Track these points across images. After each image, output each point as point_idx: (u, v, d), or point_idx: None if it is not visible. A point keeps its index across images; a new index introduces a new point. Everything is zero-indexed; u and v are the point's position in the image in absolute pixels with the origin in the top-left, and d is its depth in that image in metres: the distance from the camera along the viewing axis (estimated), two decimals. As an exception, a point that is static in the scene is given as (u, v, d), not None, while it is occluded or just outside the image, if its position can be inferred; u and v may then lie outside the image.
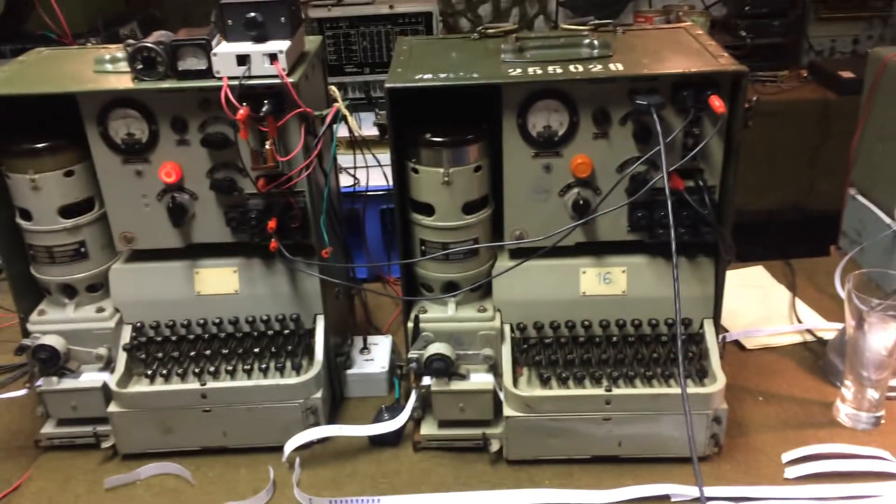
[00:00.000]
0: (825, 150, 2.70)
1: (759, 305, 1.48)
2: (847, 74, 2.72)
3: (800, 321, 1.43)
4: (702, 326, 1.16)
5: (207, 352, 1.20)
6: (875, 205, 1.52)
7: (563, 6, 3.60)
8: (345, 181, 1.39)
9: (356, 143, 1.24)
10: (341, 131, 1.14)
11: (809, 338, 1.39)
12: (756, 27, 2.90)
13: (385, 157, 1.13)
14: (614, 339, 1.16)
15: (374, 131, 2.31)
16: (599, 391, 1.10)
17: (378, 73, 2.59)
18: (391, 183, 1.12)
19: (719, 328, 1.16)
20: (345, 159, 1.32)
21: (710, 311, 1.15)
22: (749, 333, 1.39)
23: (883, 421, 1.18)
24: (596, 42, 1.11)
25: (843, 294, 1.38)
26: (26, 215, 1.15)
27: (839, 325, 1.35)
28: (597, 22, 1.20)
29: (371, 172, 1.28)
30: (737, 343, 1.38)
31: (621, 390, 1.11)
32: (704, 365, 1.13)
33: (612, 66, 1.05)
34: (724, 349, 1.18)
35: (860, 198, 1.57)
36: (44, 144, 1.12)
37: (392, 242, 2.09)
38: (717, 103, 1.00)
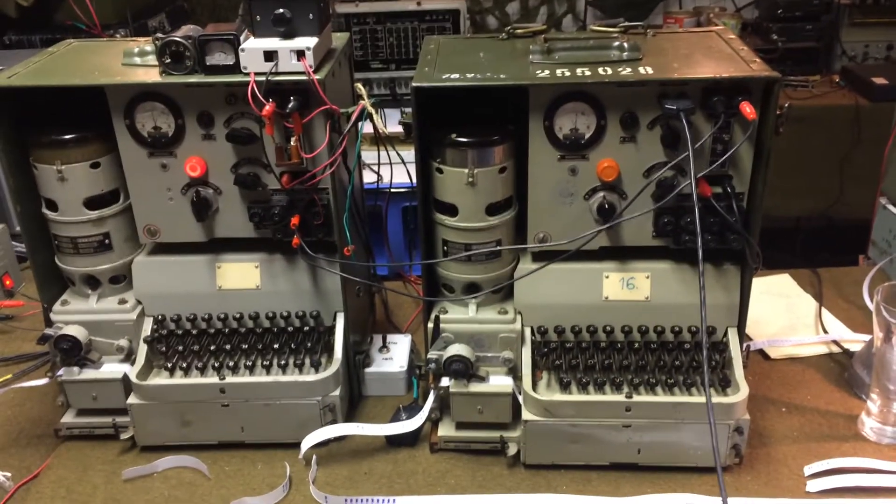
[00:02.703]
0: (856, 157, 2.66)
1: (784, 314, 1.46)
2: (880, 81, 2.68)
3: (826, 331, 1.41)
4: (725, 335, 1.14)
5: (227, 346, 1.20)
6: (906, 215, 1.49)
7: (591, 5, 3.58)
8: (368, 177, 1.38)
9: (380, 140, 1.23)
10: (366, 128, 1.13)
11: (835, 349, 1.37)
12: (788, 31, 2.87)
13: (409, 154, 1.12)
14: (636, 345, 1.14)
15: (399, 128, 2.31)
16: (620, 398, 1.09)
17: (404, 70, 2.59)
18: (414, 181, 1.12)
19: (743, 337, 1.14)
20: (369, 155, 1.31)
21: (734, 320, 1.14)
22: (774, 343, 1.37)
23: (909, 436, 1.16)
24: (625, 45, 1.09)
25: (871, 305, 1.35)
26: (52, 206, 1.16)
27: (866, 337, 1.32)
28: (626, 24, 1.18)
29: (395, 169, 1.27)
30: (761, 352, 1.36)
31: (642, 397, 1.09)
32: (727, 374, 1.12)
33: (641, 70, 1.04)
34: (747, 358, 1.16)
35: (891, 207, 1.54)
36: (71, 136, 1.12)
37: (413, 240, 2.09)
38: (748, 109, 0.98)
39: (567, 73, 1.04)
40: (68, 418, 1.23)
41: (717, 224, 1.07)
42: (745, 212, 1.08)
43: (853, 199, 2.67)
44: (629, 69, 1.05)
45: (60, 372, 1.19)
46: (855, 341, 1.37)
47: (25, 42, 2.52)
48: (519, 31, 1.22)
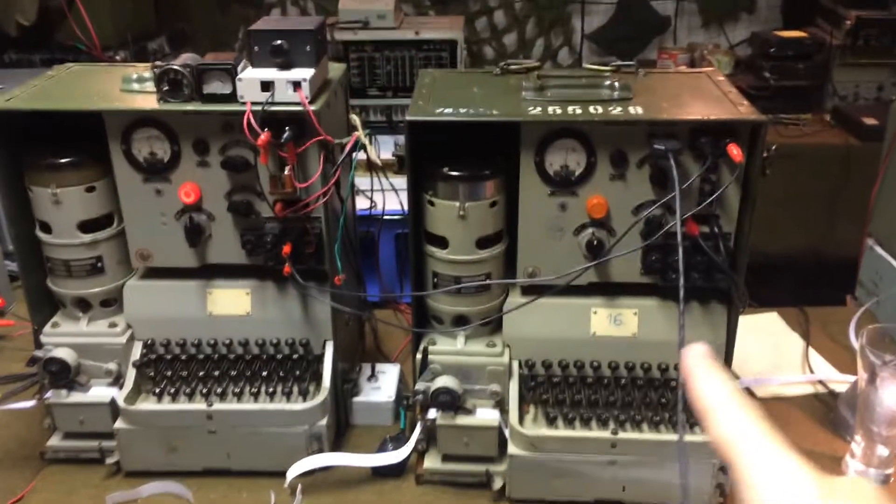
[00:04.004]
0: (846, 196, 2.69)
1: (771, 353, 1.47)
2: (870, 121, 2.71)
3: (812, 371, 1.42)
4: (712, 373, 1.15)
5: (216, 372, 1.20)
6: (893, 257, 1.51)
7: (587, 39, 3.63)
8: (361, 203, 1.39)
9: (374, 169, 1.24)
10: (361, 155, 1.15)
11: (821, 389, 1.38)
12: (781, 69, 2.91)
13: (401, 181, 1.13)
14: (623, 381, 1.15)
15: (393, 153, 2.33)
16: (605, 434, 1.10)
17: (400, 98, 2.61)
18: (407, 209, 1.13)
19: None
20: (362, 181, 1.32)
21: (720, 359, 1.15)
22: (760, 382, 1.38)
23: (893, 479, 1.17)
24: (617, 84, 1.11)
25: (856, 346, 1.36)
26: (46, 228, 1.16)
27: (852, 378, 1.33)
28: (619, 63, 1.20)
29: (388, 196, 1.28)
30: (747, 391, 1.37)
31: (628, 434, 1.10)
32: (713, 412, 1.12)
33: (631, 109, 1.06)
34: (733, 397, 1.16)
35: (878, 249, 1.56)
36: (67, 159, 1.13)
37: (404, 267, 2.10)
38: (734, 151, 1.00)
39: (558, 111, 1.06)
40: (54, 441, 1.23)
41: (704, 263, 1.08)
42: (732, 251, 1.09)
43: (842, 236, 2.69)
44: (620, 108, 1.06)
45: (48, 394, 1.19)
46: (841, 382, 1.38)
47: (25, 61, 2.54)
48: (513, 66, 1.24)
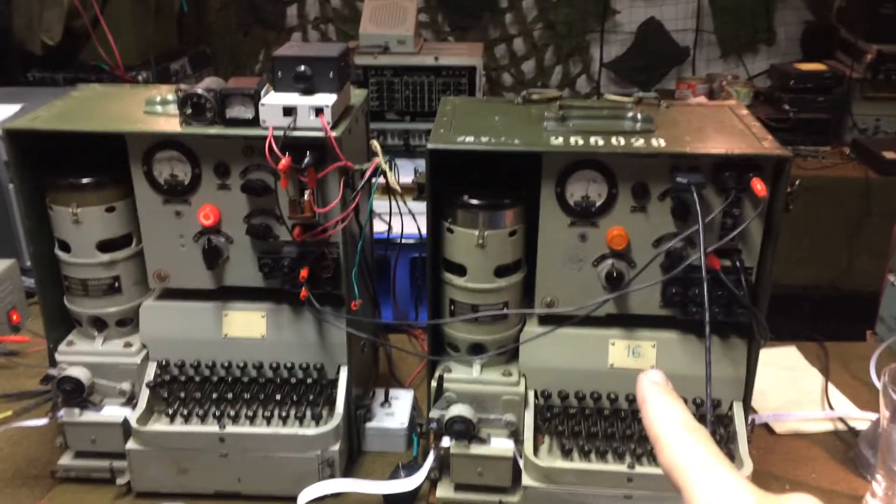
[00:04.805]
0: (865, 229, 2.67)
1: (790, 388, 1.45)
2: (890, 155, 2.70)
3: (832, 408, 1.40)
4: (731, 408, 1.13)
5: (229, 395, 1.20)
6: (914, 294, 1.49)
7: (606, 67, 3.64)
8: (378, 226, 1.39)
9: (393, 194, 1.24)
10: (379, 179, 1.15)
11: (841, 426, 1.36)
12: (800, 101, 2.90)
13: (417, 206, 1.13)
14: (640, 414, 1.13)
15: (411, 178, 2.33)
16: (622, 468, 1.08)
17: (418, 122, 2.63)
18: (423, 233, 1.12)
19: (749, 412, 1.14)
20: (380, 204, 1.32)
21: (740, 394, 1.13)
22: (779, 417, 1.36)
23: (914, 521, 1.14)
24: (639, 116, 1.11)
25: (878, 383, 1.34)
26: (65, 247, 1.17)
27: (873, 416, 1.31)
28: (641, 94, 1.20)
29: (405, 220, 1.28)
30: (766, 426, 1.35)
31: (644, 468, 1.08)
32: (731, 449, 1.11)
33: (654, 142, 1.05)
34: (752, 432, 1.15)
35: (900, 285, 1.54)
36: (88, 180, 1.14)
37: (420, 292, 2.09)
38: (758, 186, 0.99)
39: (580, 142, 1.06)
40: (66, 460, 1.22)
41: (725, 297, 1.07)
42: (754, 286, 1.08)
43: (861, 269, 2.67)
44: (642, 140, 1.06)
45: (61, 413, 1.19)
46: (861, 419, 1.36)
47: (49, 80, 2.57)
48: (534, 96, 1.24)
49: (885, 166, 2.69)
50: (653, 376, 0.49)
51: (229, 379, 1.22)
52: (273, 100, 1.06)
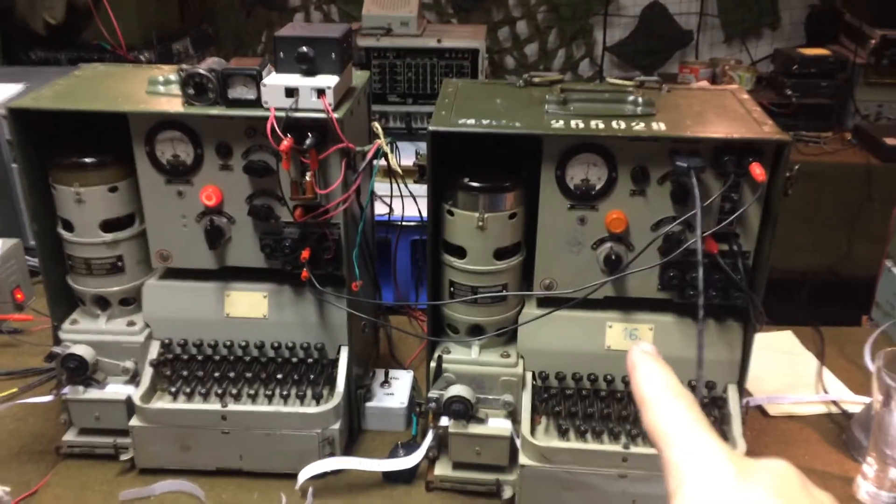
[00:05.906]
0: (865, 215, 2.68)
1: (785, 371, 1.47)
2: (892, 141, 2.70)
3: (826, 391, 1.41)
4: (725, 391, 1.15)
5: (231, 374, 1.21)
6: (911, 279, 1.50)
7: (608, 51, 3.63)
8: (379, 208, 1.40)
9: (394, 176, 1.25)
10: (381, 161, 1.15)
11: (834, 409, 1.37)
12: (803, 86, 2.90)
13: (419, 188, 1.14)
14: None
15: (412, 160, 2.33)
16: (617, 447, 1.10)
17: (420, 105, 2.62)
18: (424, 216, 1.13)
19: (743, 394, 1.15)
20: (381, 187, 1.33)
21: (735, 377, 1.14)
22: (773, 400, 1.38)
23: (906, 503, 1.16)
24: (640, 99, 1.11)
25: (872, 368, 1.35)
26: (68, 226, 1.18)
27: (866, 399, 1.32)
28: (642, 78, 1.20)
29: (406, 203, 1.29)
30: (759, 409, 1.36)
31: (639, 448, 1.10)
32: (725, 430, 1.12)
33: (654, 126, 1.06)
34: (746, 414, 1.16)
35: (896, 271, 1.55)
36: (91, 160, 1.15)
37: (420, 273, 2.10)
38: (757, 171, 1.00)
39: (581, 125, 1.06)
40: (70, 436, 1.24)
41: (722, 280, 1.08)
42: (751, 270, 1.09)
43: (860, 255, 2.68)
44: (642, 124, 1.06)
45: (65, 390, 1.20)
46: (854, 403, 1.37)
47: (52, 60, 2.57)
48: (536, 79, 1.24)
49: (887, 152, 2.69)
50: (644, 346, 0.51)
51: (231, 358, 1.23)
52: (275, 80, 1.07)
